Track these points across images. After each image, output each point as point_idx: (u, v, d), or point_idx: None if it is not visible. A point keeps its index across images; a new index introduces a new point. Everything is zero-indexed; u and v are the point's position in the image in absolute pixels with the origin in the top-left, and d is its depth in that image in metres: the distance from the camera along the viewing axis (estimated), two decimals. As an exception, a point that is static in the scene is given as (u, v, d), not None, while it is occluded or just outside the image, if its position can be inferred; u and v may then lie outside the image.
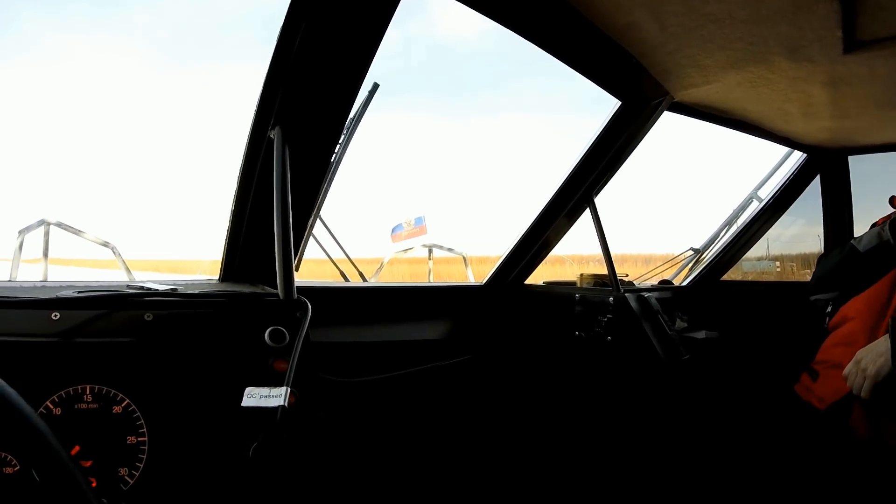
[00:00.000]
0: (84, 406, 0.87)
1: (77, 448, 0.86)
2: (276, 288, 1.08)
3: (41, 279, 2.06)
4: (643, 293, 1.97)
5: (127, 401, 0.89)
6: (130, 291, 1.01)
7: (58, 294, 0.95)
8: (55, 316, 0.91)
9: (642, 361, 1.81)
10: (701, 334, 2.00)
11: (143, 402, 0.89)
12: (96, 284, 1.13)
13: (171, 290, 1.06)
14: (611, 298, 1.88)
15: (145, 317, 0.95)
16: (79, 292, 0.98)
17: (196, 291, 1.07)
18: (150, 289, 1.06)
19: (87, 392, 0.87)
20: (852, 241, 1.72)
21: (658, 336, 1.82)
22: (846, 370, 1.44)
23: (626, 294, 1.89)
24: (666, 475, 1.81)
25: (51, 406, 0.85)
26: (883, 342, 1.37)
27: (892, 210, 1.69)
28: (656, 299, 1.96)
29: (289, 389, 0.90)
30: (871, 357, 1.38)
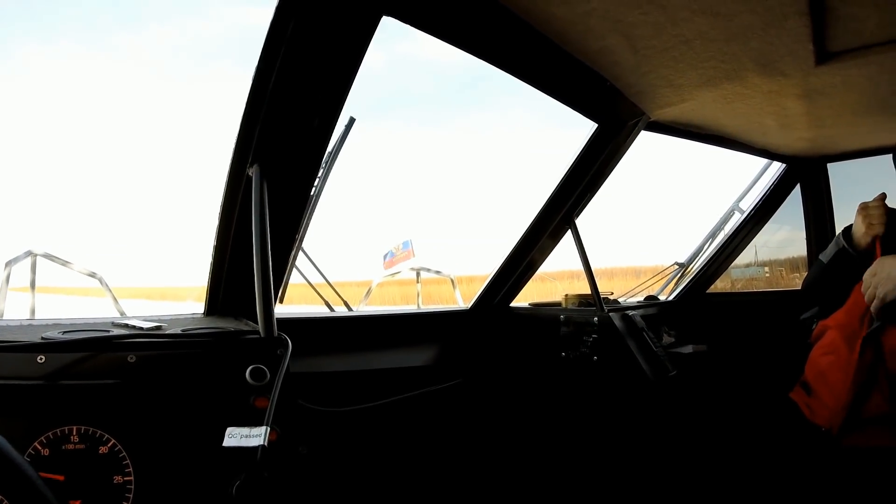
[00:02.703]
0: (71, 447, 0.88)
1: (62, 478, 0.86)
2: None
3: (28, 316, 2.06)
4: (627, 311, 1.98)
5: (113, 441, 0.89)
6: (115, 333, 1.02)
7: (43, 336, 0.97)
8: (41, 359, 0.91)
9: (629, 380, 1.82)
10: (688, 349, 2.01)
11: (129, 443, 0.90)
12: (82, 322, 1.14)
13: (156, 327, 1.08)
14: (595, 318, 1.89)
15: (129, 359, 0.96)
16: (64, 332, 0.99)
17: (178, 331, 1.07)
18: (134, 327, 1.07)
19: (74, 433, 0.88)
20: (820, 255, 1.73)
21: (644, 353, 1.83)
22: (865, 276, 1.44)
23: (611, 313, 1.90)
24: (658, 493, 1.81)
25: (38, 447, 0.86)
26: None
27: None
28: (641, 316, 1.98)
29: (269, 428, 0.91)
30: (884, 275, 1.39)
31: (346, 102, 1.19)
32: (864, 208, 1.58)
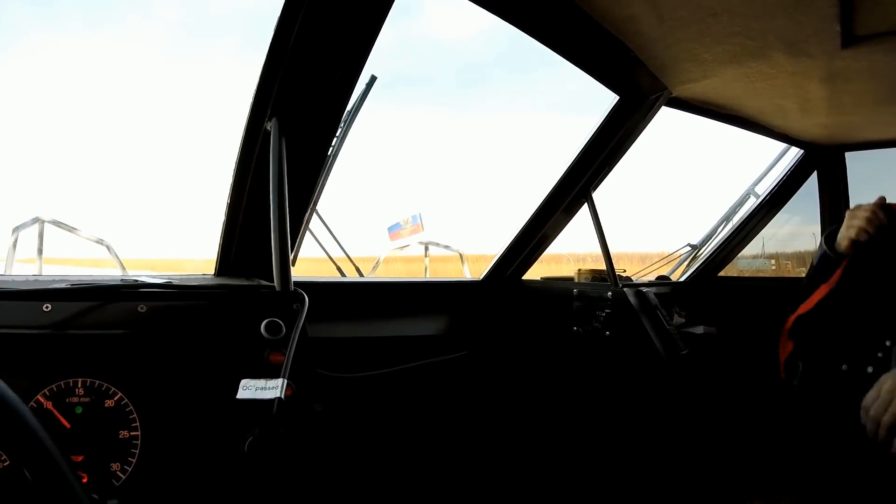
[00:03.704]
0: (76, 400, 0.86)
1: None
2: (273, 281, 1.07)
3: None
4: (641, 288, 1.96)
5: (119, 394, 0.87)
6: (122, 283, 1.00)
7: (50, 286, 0.94)
8: (47, 307, 0.89)
9: (641, 356, 1.80)
10: (699, 329, 2.00)
11: (136, 396, 0.88)
12: (89, 278, 1.12)
13: (166, 283, 1.05)
14: (609, 293, 1.87)
15: (139, 308, 0.94)
16: (72, 284, 0.97)
17: (192, 284, 1.05)
18: (144, 283, 1.05)
19: (80, 385, 0.86)
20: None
21: (656, 331, 1.81)
22: (868, 398, 1.23)
23: (625, 289, 1.88)
24: (665, 470, 1.80)
25: (42, 400, 0.84)
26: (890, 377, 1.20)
27: None
28: (654, 294, 1.96)
29: (285, 381, 0.89)
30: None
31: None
32: (854, 209, 1.46)
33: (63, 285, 0.96)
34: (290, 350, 0.92)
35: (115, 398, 0.87)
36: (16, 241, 2.31)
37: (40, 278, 1.15)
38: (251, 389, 0.89)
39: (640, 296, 1.90)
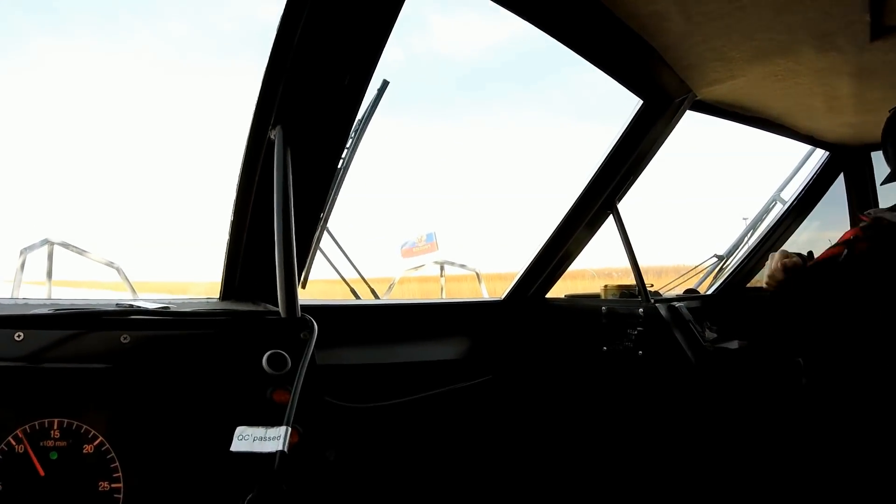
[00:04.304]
0: (51, 444, 0.76)
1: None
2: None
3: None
4: (674, 303, 1.89)
5: (100, 438, 0.77)
6: (107, 309, 0.90)
7: (26, 312, 0.84)
8: (19, 336, 0.79)
9: (676, 375, 1.72)
10: (734, 344, 1.91)
11: (119, 441, 0.78)
12: (83, 302, 1.02)
13: (162, 308, 0.95)
14: (640, 310, 1.80)
15: (122, 339, 0.83)
16: (54, 310, 0.86)
17: (187, 310, 0.95)
18: (135, 307, 0.94)
19: (55, 427, 0.76)
20: None
21: (692, 348, 1.74)
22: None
23: (657, 304, 1.81)
24: (707, 497, 1.71)
25: (13, 443, 0.74)
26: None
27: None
28: (686, 309, 1.89)
29: (289, 429, 0.77)
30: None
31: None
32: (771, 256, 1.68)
33: (44, 311, 0.86)
34: (296, 388, 0.81)
35: (95, 443, 0.77)
36: (24, 262, 2.26)
37: (30, 301, 1.07)
38: (248, 440, 0.77)
39: (673, 311, 1.83)
